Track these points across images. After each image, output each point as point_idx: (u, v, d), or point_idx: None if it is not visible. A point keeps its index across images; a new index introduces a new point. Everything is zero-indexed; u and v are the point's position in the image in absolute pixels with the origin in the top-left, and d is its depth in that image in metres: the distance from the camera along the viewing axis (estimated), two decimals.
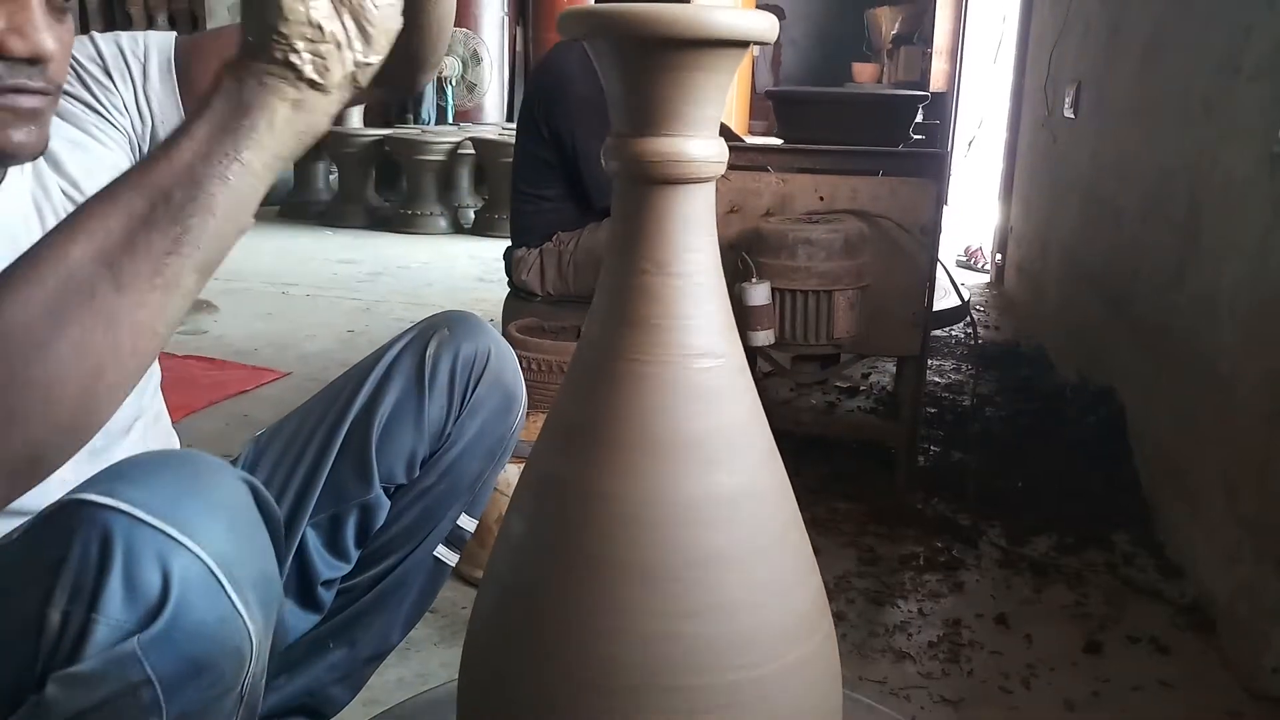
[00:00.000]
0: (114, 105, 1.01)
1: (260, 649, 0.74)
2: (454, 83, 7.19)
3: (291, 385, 2.96)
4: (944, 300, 2.37)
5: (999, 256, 4.72)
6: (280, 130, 0.68)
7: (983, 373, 3.08)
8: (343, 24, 0.68)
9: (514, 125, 3.55)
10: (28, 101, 0.79)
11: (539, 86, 2.79)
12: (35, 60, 0.78)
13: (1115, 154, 2.82)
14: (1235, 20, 1.90)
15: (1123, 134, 2.75)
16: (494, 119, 7.59)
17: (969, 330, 2.84)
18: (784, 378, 2.45)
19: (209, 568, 0.69)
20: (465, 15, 7.18)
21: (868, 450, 2.45)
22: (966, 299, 2.47)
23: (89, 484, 0.70)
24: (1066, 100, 3.45)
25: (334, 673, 1.21)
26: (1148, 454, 2.24)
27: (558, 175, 2.73)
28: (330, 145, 6.13)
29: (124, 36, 1.04)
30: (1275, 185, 1.64)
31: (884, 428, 2.43)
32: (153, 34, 1.06)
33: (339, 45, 0.68)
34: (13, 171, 0.89)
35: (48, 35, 0.78)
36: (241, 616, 0.71)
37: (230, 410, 2.76)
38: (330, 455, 1.13)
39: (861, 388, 2.96)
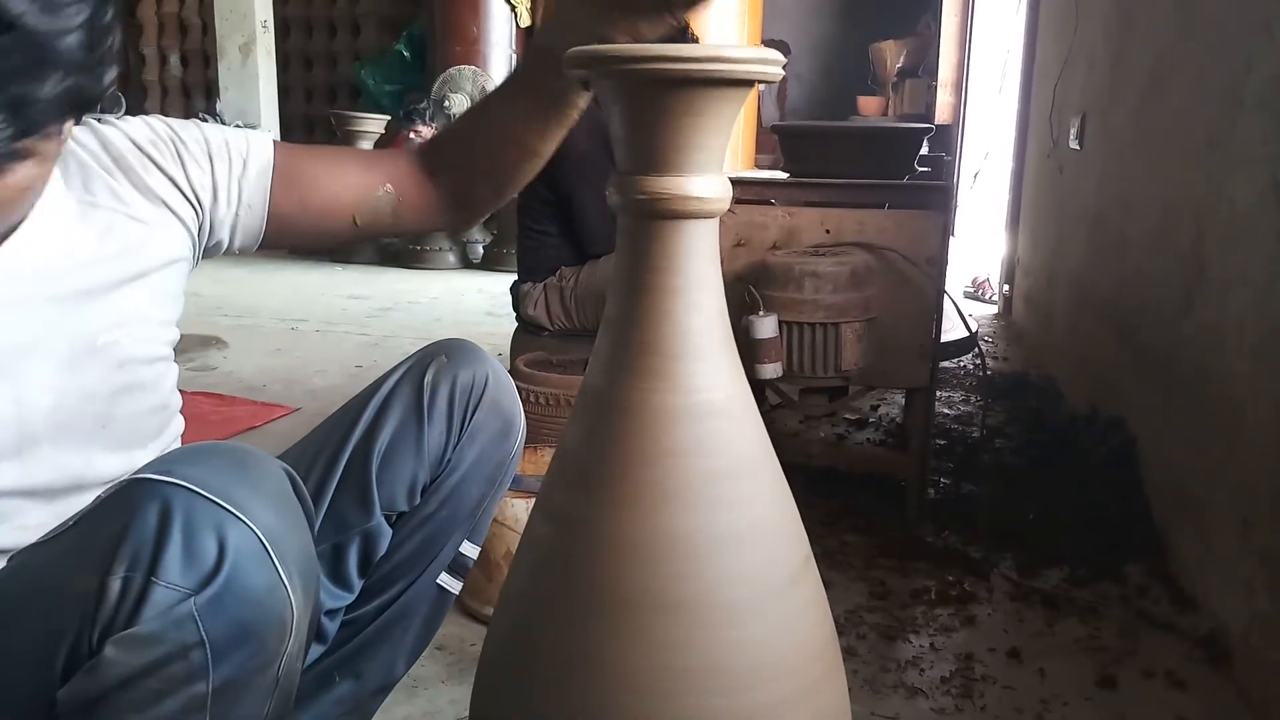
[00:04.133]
0: (198, 184, 1.03)
1: (299, 625, 0.78)
2: None
3: (301, 421, 2.96)
4: (952, 331, 2.37)
5: (1006, 287, 4.72)
6: None
7: (992, 404, 3.07)
8: None
9: None
10: None
11: None
12: None
13: (1120, 185, 2.83)
14: (1236, 51, 1.91)
15: (1128, 165, 2.76)
16: None
17: (977, 361, 2.84)
18: (792, 410, 2.45)
19: (260, 540, 0.74)
20: (473, 53, 7.26)
21: (878, 482, 2.44)
22: (974, 330, 2.47)
23: (145, 468, 0.75)
24: (1071, 131, 3.47)
25: (341, 706, 1.21)
26: (1159, 485, 2.22)
27: (559, 213, 2.75)
28: None
29: (233, 132, 1.08)
30: (1279, 215, 1.64)
31: (893, 460, 2.42)
32: (253, 135, 1.09)
33: None
34: (44, 203, 0.88)
35: None
36: (286, 587, 0.75)
37: None
38: (331, 484, 1.14)
39: (870, 420, 2.96)
